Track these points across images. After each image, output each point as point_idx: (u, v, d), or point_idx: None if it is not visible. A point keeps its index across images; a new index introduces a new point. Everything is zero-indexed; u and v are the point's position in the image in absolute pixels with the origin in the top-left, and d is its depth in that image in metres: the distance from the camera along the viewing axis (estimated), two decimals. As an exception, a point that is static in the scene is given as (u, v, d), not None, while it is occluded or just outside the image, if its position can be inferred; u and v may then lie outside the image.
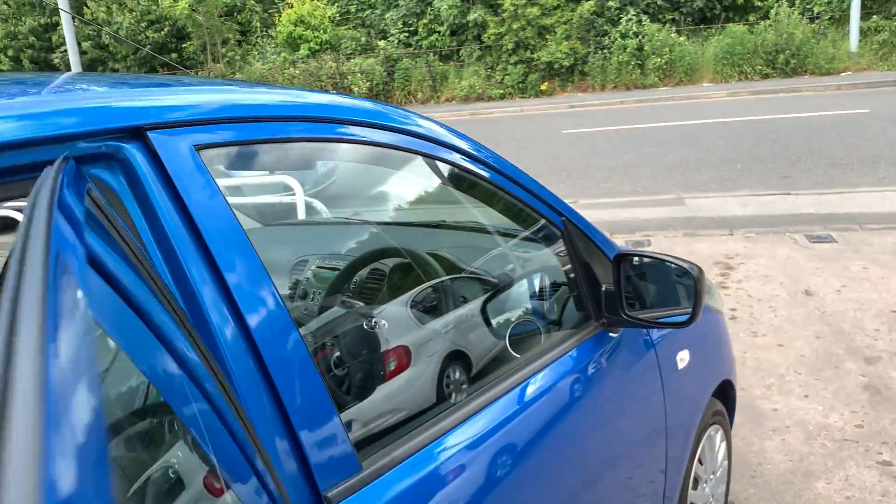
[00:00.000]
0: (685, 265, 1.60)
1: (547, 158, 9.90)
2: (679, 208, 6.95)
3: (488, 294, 1.77)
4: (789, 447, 3.01)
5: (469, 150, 1.51)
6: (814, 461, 2.89)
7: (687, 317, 1.58)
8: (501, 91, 18.39)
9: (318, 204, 4.87)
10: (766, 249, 5.53)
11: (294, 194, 4.84)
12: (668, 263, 1.63)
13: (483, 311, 1.73)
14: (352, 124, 1.28)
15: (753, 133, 10.30)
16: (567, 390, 1.51)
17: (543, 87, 18.15)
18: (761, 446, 3.03)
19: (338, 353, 1.57)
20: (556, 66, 17.98)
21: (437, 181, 1.91)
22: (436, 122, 1.53)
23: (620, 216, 6.85)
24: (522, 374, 1.44)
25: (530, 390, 1.43)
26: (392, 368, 1.57)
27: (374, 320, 1.67)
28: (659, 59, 17.16)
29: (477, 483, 1.22)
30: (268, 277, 1.01)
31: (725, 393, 2.43)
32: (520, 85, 18.33)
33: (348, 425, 1.10)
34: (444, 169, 1.53)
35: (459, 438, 1.24)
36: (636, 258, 1.65)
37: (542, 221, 1.67)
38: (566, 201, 1.74)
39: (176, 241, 0.92)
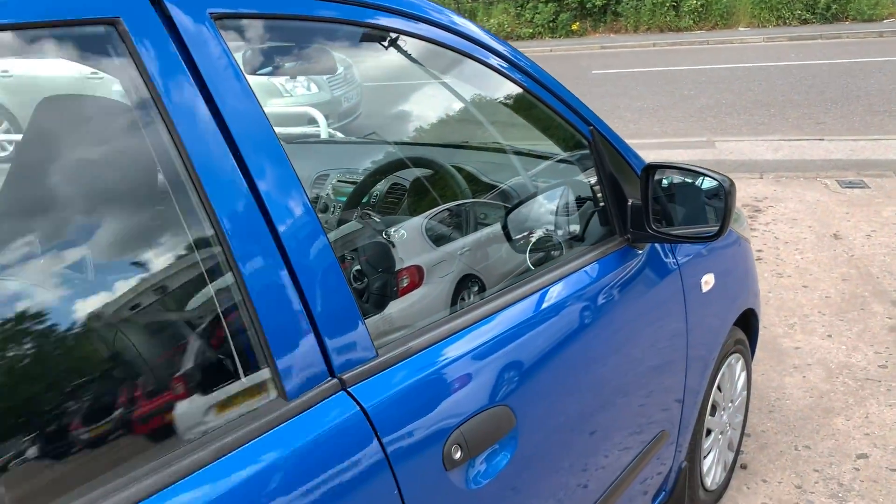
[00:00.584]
0: (717, 176, 1.54)
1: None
2: (709, 151, 6.81)
3: (511, 208, 1.74)
4: (809, 384, 2.98)
5: (503, 51, 1.46)
6: (834, 398, 2.86)
7: (715, 231, 1.53)
8: (531, 30, 17.97)
9: (340, 136, 4.83)
10: (796, 193, 5.41)
11: (318, 126, 4.79)
12: (699, 173, 1.57)
13: (505, 226, 1.70)
14: (382, 10, 1.23)
15: (789, 78, 10.01)
16: (587, 302, 1.48)
17: (574, 28, 17.70)
18: (781, 382, 3.01)
19: (356, 267, 1.56)
20: (587, 5, 17.49)
21: (466, 89, 1.86)
22: (472, 21, 1.47)
23: (648, 158, 6.70)
24: (541, 282, 1.42)
25: (548, 298, 1.41)
26: (405, 285, 1.55)
27: (388, 236, 1.65)
28: (694, 2, 16.62)
29: (488, 384, 1.20)
30: (282, 150, 0.99)
31: (748, 322, 2.40)
32: (550, 24, 17.89)
33: (366, 316, 1.09)
34: (478, 69, 1.47)
35: (474, 339, 1.22)
36: (666, 169, 1.60)
37: (570, 131, 1.62)
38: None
39: (186, 105, 0.89)
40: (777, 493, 2.38)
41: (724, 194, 1.53)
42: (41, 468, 0.77)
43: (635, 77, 11.23)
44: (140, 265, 0.94)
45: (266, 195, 0.95)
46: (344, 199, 2.02)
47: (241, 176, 0.93)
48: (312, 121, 4.77)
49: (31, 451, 0.76)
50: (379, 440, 0.99)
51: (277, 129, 1.01)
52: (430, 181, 1.95)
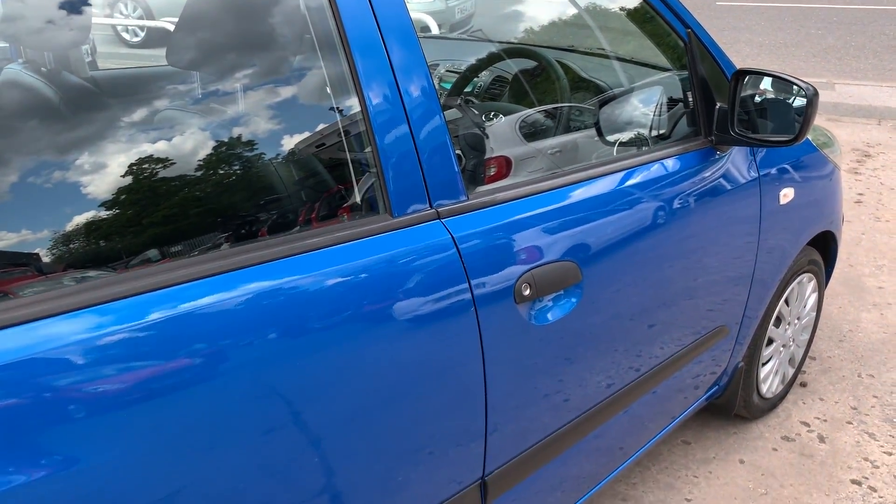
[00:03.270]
0: (801, 83, 1.63)
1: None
2: (827, 93, 6.54)
3: (604, 103, 1.86)
4: (886, 321, 3.01)
5: None
6: (908, 337, 2.90)
7: (793, 136, 1.63)
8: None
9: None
10: (913, 142, 5.21)
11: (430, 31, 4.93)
12: (785, 79, 1.66)
13: (597, 120, 1.84)
14: None
15: (931, 25, 9.35)
16: (663, 190, 1.61)
17: (704, -44, 16.82)
18: (857, 316, 3.05)
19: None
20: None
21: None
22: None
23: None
24: (623, 164, 1.57)
25: (627, 180, 1.55)
26: (492, 174, 1.71)
27: (482, 125, 1.80)
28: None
29: (561, 242, 1.37)
30: (418, 43, 1.18)
31: (826, 247, 2.46)
32: (679, -49, 17.07)
33: (460, 162, 1.27)
34: None
35: (553, 201, 1.39)
36: (754, 75, 1.69)
37: (668, 32, 1.72)
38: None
39: None
40: (831, 411, 2.48)
41: (806, 101, 1.61)
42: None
43: (762, 11, 10.70)
44: (302, 122, 1.17)
45: (400, 74, 1.15)
46: (449, 85, 2.19)
47: (386, 57, 1.14)
48: (425, 28, 4.92)
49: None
50: (462, 261, 1.19)
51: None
52: (531, 75, 2.09)
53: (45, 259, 0.91)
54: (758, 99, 1.79)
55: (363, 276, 1.08)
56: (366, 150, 1.14)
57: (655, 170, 1.63)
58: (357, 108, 1.14)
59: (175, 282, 0.92)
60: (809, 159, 2.14)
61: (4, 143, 0.95)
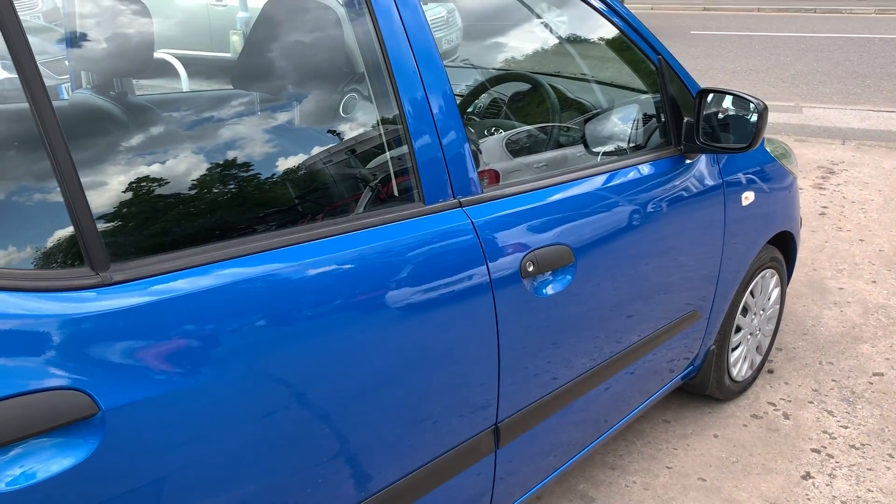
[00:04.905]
0: (753, 100, 1.95)
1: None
2: (795, 115, 6.96)
3: (588, 118, 2.18)
4: (845, 317, 3.33)
5: None
6: (865, 330, 3.21)
7: (746, 144, 1.95)
8: (634, -12, 17.81)
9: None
10: (874, 160, 5.59)
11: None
12: (739, 96, 1.98)
13: (582, 134, 2.15)
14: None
15: (894, 52, 9.85)
16: (639, 189, 1.92)
17: (679, -12, 17.45)
18: (819, 313, 3.37)
19: None
20: (695, -35, 17.20)
21: (562, 28, 2.30)
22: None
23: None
24: (605, 167, 1.87)
25: (609, 179, 1.86)
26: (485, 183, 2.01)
27: (475, 144, 2.11)
28: (808, -33, 16.14)
29: (557, 229, 1.67)
30: (443, 68, 1.48)
31: (787, 247, 2.78)
32: (654, -17, 17.68)
33: (476, 167, 1.57)
34: (574, 10, 1.90)
35: (548, 196, 1.69)
36: (715, 93, 2.00)
37: (642, 59, 2.04)
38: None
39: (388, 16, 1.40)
40: (795, 393, 2.78)
41: (757, 115, 1.93)
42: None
43: (734, 40, 11.21)
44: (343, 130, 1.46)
45: (429, 89, 1.45)
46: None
47: (419, 77, 1.43)
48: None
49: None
50: (479, 241, 1.48)
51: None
52: (523, 98, 2.40)
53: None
54: (721, 116, 2.11)
55: (403, 248, 1.36)
56: (404, 153, 1.44)
57: (633, 173, 1.93)
58: (398, 120, 1.43)
59: (272, 247, 1.20)
60: (768, 168, 2.46)
61: (84, 150, 1.24)
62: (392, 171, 1.47)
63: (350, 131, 1.46)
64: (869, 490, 2.28)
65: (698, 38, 11.45)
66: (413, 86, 1.43)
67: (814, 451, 2.47)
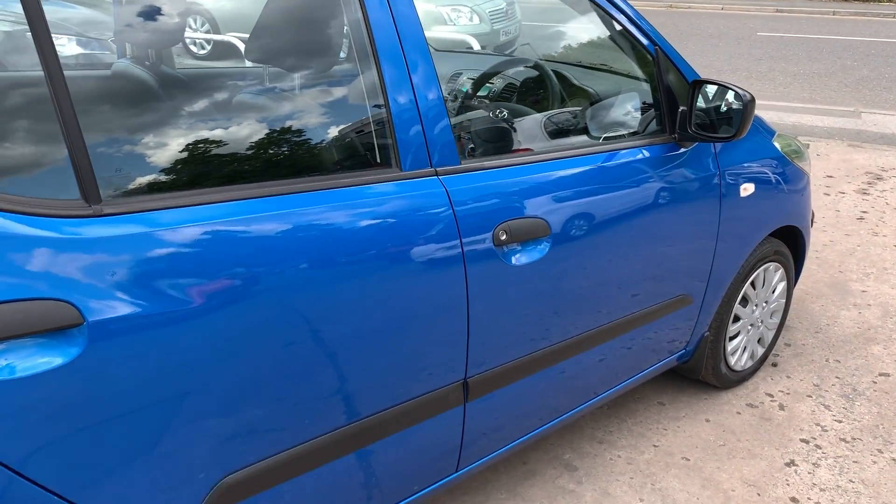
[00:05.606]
0: (740, 90, 2.02)
1: (733, 58, 9.73)
2: (852, 120, 6.83)
3: (590, 104, 2.28)
4: (862, 319, 3.33)
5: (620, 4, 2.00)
6: (879, 332, 3.21)
7: (732, 133, 2.02)
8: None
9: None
10: (926, 168, 5.47)
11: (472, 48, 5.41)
12: (728, 87, 2.05)
13: (584, 119, 2.25)
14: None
15: (970, 60, 9.50)
16: (630, 172, 2.01)
17: (753, -12, 17.06)
18: (836, 314, 3.38)
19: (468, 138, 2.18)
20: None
21: (590, 29, 2.42)
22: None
23: (788, 120, 6.85)
24: (599, 149, 1.98)
25: (601, 161, 1.96)
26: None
27: (498, 114, 2.24)
28: (891, -29, 15.59)
29: (534, 202, 1.78)
30: (428, 51, 1.61)
31: (795, 242, 2.82)
32: (728, -18, 17.33)
33: (458, 139, 1.70)
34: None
35: (532, 172, 1.81)
36: (707, 84, 2.08)
37: (640, 49, 2.13)
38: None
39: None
40: (795, 387, 2.82)
41: (743, 105, 2.01)
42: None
43: (801, 42, 10.97)
44: (341, 100, 1.62)
45: (411, 63, 1.59)
46: (466, 89, 2.63)
47: (400, 49, 1.57)
48: (469, 45, 5.42)
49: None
50: (452, 207, 1.61)
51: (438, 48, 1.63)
52: (532, 83, 2.52)
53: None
54: (724, 108, 2.19)
55: (377, 209, 1.51)
56: (383, 120, 1.58)
57: (623, 157, 2.03)
58: (380, 91, 1.57)
59: (249, 196, 1.36)
60: (772, 162, 2.52)
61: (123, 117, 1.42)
62: (374, 139, 1.61)
63: (337, 98, 1.61)
64: (850, 481, 2.33)
65: (764, 40, 11.24)
66: (394, 58, 1.56)
67: (803, 441, 2.52)
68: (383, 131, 1.60)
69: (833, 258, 3.96)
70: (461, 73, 2.83)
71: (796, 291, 3.59)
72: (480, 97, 2.57)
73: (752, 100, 2.02)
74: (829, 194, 4.96)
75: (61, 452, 1.17)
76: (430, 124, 1.63)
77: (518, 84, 2.57)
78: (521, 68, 2.57)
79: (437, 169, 1.64)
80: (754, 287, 2.67)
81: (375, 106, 1.59)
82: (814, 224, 3.56)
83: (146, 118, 1.48)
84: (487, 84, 2.62)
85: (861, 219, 4.52)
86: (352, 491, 1.65)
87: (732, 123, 2.13)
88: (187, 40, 3.59)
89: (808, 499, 2.25)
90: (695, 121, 2.12)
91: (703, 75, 2.21)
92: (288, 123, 1.56)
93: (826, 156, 5.86)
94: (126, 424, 1.22)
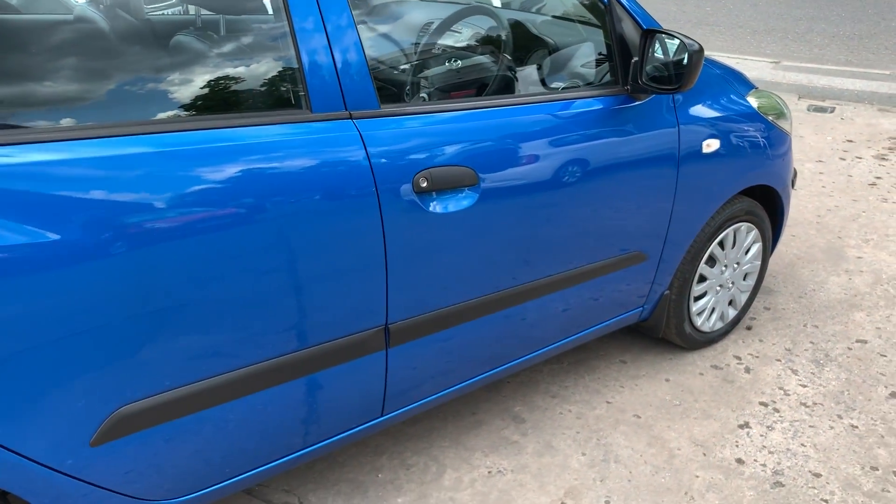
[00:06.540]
0: (687, 41, 1.96)
1: (771, 17, 9.38)
2: (888, 84, 6.55)
3: (546, 54, 2.23)
4: (851, 285, 3.24)
5: None
6: (866, 299, 3.13)
7: (678, 84, 1.97)
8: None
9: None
10: (955, 135, 5.25)
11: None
12: (676, 36, 1.99)
13: (539, 68, 2.21)
14: None
15: None
16: (579, 123, 1.97)
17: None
18: (825, 279, 3.29)
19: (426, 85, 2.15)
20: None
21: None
22: None
23: (818, 83, 6.60)
24: (543, 98, 1.95)
25: (545, 110, 1.93)
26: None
27: (453, 63, 2.21)
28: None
29: (461, 149, 1.76)
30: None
31: (772, 202, 2.74)
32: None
33: (374, 72, 1.69)
34: None
35: (465, 120, 1.79)
36: (658, 33, 2.02)
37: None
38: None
39: None
40: (765, 350, 2.78)
41: (688, 56, 1.95)
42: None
43: (845, 2, 10.51)
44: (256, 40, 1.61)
45: (325, 8, 1.58)
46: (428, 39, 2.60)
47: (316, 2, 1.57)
48: None
49: None
50: (367, 152, 1.61)
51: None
52: (490, 33, 2.49)
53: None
54: (685, 62, 2.12)
55: (281, 152, 1.51)
56: (292, 58, 1.57)
57: (568, 108, 1.99)
58: (288, 31, 1.56)
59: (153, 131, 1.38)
60: (743, 118, 2.44)
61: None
62: (286, 81, 1.61)
63: (253, 39, 1.60)
64: (802, 445, 2.29)
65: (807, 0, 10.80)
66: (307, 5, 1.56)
67: (762, 403, 2.48)
68: (293, 73, 1.59)
69: (834, 223, 3.84)
70: (432, 23, 2.79)
71: (787, 255, 3.51)
72: (444, 46, 2.54)
73: (700, 50, 1.95)
74: (844, 159, 4.80)
75: None
76: (346, 67, 1.61)
77: (483, 33, 2.52)
78: (480, 17, 2.52)
79: (352, 112, 1.63)
80: (723, 247, 2.61)
81: (286, 46, 1.59)
82: (795, 185, 3.44)
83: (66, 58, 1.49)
84: (453, 32, 2.58)
85: (873, 184, 4.37)
86: (267, 427, 1.69)
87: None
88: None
89: (755, 460, 2.23)
90: (651, 73, 2.06)
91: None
92: (209, 64, 1.57)
93: (850, 119, 5.66)
94: (24, 359, 1.27)
